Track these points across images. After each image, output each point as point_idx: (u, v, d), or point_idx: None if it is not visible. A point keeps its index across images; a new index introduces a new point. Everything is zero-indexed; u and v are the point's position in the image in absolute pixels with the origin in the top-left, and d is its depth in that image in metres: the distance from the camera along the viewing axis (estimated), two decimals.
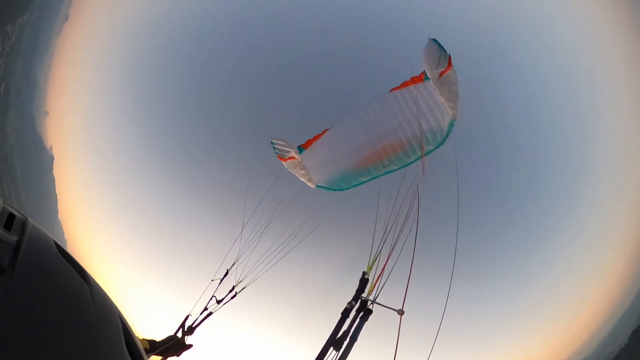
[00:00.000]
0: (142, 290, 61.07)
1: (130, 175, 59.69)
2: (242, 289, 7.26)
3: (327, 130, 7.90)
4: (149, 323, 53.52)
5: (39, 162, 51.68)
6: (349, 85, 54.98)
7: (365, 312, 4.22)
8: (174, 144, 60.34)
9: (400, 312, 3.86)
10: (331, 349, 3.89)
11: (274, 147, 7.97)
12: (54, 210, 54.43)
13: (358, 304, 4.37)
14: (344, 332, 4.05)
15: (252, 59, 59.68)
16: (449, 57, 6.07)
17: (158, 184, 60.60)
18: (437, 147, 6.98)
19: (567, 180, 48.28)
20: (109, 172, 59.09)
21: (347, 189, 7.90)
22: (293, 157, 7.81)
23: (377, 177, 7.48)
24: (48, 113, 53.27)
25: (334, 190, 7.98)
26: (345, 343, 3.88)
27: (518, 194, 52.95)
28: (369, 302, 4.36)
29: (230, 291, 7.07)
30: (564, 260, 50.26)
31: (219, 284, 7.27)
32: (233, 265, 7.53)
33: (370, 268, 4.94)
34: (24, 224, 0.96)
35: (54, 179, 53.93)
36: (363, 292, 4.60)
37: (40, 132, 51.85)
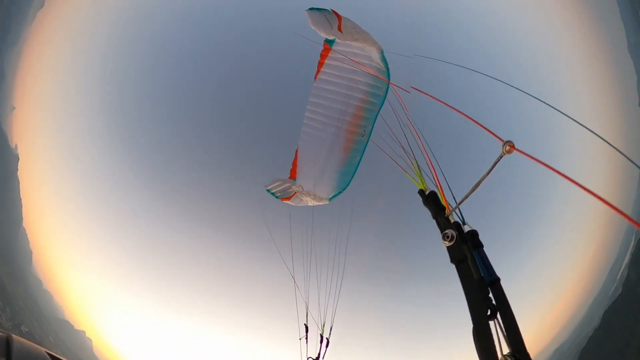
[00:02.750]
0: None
1: (108, 180, 55.20)
2: (330, 331, 6.52)
3: (297, 150, 7.87)
4: None
5: (2, 162, 45.95)
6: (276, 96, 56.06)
7: (473, 239, 2.73)
8: (160, 149, 57.33)
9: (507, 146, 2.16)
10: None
11: (272, 194, 7.55)
12: (18, 217, 48.45)
13: (454, 239, 2.72)
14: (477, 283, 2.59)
15: None
16: (333, 11, 6.21)
17: (139, 192, 56.83)
18: (388, 83, 6.91)
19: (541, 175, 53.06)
20: (83, 176, 54.06)
21: (352, 179, 7.72)
22: (295, 192, 7.52)
23: (365, 146, 7.45)
24: (14, 108, 47.73)
25: (344, 189, 7.78)
26: (493, 294, 2.53)
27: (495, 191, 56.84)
28: (463, 224, 2.90)
29: (321, 341, 6.22)
30: (538, 254, 54.88)
31: (307, 342, 6.62)
32: (307, 315, 6.87)
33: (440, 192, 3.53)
34: (7, 341, 0.94)
35: (19, 181, 48.13)
36: (447, 226, 2.90)
37: (5, 129, 46.20)
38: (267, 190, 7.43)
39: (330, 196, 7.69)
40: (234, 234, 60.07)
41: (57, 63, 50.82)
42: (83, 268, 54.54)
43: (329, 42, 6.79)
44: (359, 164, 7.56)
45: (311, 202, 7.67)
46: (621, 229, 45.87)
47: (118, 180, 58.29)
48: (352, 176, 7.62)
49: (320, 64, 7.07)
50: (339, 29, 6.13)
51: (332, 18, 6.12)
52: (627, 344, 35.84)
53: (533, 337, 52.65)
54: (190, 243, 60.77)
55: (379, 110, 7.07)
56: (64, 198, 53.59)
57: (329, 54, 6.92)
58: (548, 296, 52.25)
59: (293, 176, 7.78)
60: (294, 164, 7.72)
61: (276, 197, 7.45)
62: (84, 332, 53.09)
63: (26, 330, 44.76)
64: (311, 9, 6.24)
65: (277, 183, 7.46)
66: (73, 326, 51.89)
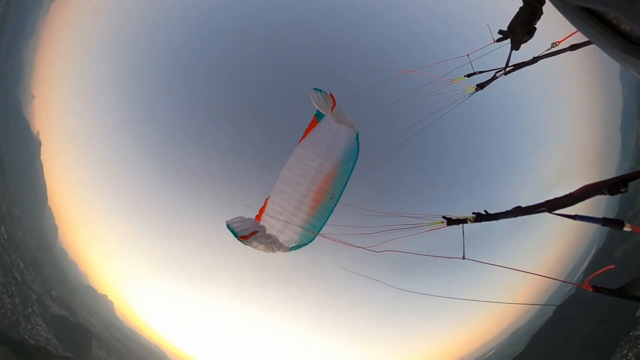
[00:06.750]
0: None
1: (123, 160, 56.74)
2: None
3: (267, 199, 8.12)
4: None
5: (26, 147, 47.37)
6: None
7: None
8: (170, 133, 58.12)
9: None
10: None
11: (231, 230, 7.10)
12: (44, 197, 50.76)
13: None
14: None
15: None
16: (330, 94, 7.37)
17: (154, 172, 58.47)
18: (356, 158, 7.91)
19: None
20: (100, 158, 55.57)
21: (315, 237, 7.81)
22: (256, 231, 7.27)
23: (333, 207, 7.91)
24: (34, 97, 48.23)
25: (306, 244, 7.86)
26: None
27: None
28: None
29: None
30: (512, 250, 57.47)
31: None
32: None
33: None
34: None
35: (42, 165, 49.88)
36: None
37: (27, 117, 47.12)
38: (227, 225, 6.93)
39: (290, 246, 7.79)
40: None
41: (72, 51, 50.35)
42: (103, 240, 57.96)
43: (317, 117, 7.84)
44: (324, 223, 7.83)
45: (270, 248, 7.41)
46: (585, 239, 47.94)
47: (134, 160, 59.86)
48: (318, 232, 7.75)
49: (307, 131, 7.93)
50: (332, 110, 7.26)
51: (328, 100, 7.17)
52: (571, 339, 38.59)
53: (496, 318, 56.96)
54: (208, 211, 62.92)
55: (347, 181, 7.81)
56: (83, 178, 55.67)
57: (316, 126, 7.94)
58: (512, 288, 55.67)
59: (259, 219, 8.02)
60: (261, 212, 7.95)
61: (234, 233, 6.90)
62: (106, 295, 57.58)
63: (55, 294, 48.80)
64: (315, 89, 7.23)
65: (240, 222, 7.18)
66: (96, 291, 56.19)
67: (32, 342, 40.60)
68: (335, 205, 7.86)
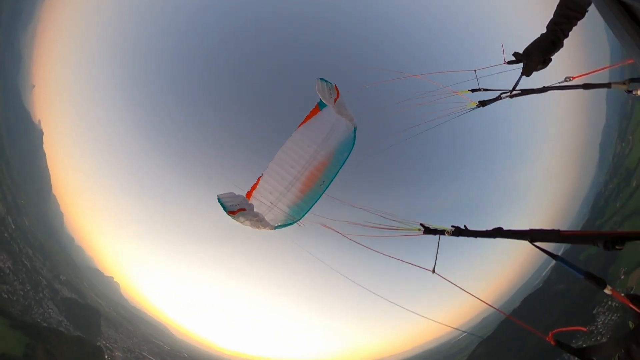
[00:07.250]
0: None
1: (125, 145, 56.52)
2: None
3: (260, 177, 7.77)
4: None
5: (28, 137, 46.78)
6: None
7: None
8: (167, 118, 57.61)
9: None
10: None
11: (222, 204, 6.47)
12: (48, 185, 50.87)
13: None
14: None
15: None
16: (335, 86, 7.10)
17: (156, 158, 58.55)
18: (350, 151, 7.76)
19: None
20: (102, 144, 55.09)
21: (302, 216, 7.57)
22: (244, 208, 6.69)
23: (321, 194, 7.81)
24: (34, 86, 46.78)
25: (291, 224, 7.61)
26: None
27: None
28: None
29: None
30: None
31: None
32: None
33: None
34: None
35: (45, 154, 49.53)
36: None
37: (28, 107, 46.03)
38: (219, 199, 6.46)
39: (276, 225, 7.51)
40: None
41: (70, 40, 48.16)
42: (107, 224, 58.94)
43: (320, 106, 7.67)
44: (311, 207, 7.59)
45: (255, 225, 6.73)
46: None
47: (136, 145, 59.67)
48: (303, 215, 7.54)
49: (307, 117, 7.68)
50: (334, 101, 7.06)
51: (332, 91, 7.01)
52: (534, 326, 43.79)
53: (469, 305, 62.71)
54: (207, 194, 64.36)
55: (338, 171, 7.67)
56: (86, 165, 55.45)
57: (317, 114, 7.72)
58: (486, 278, 60.93)
59: (248, 197, 7.50)
60: (252, 189, 7.48)
61: (224, 207, 6.45)
62: (112, 277, 59.67)
63: (64, 278, 50.47)
64: (321, 79, 6.87)
65: (230, 197, 6.64)
66: (103, 273, 58.15)
67: (45, 325, 42.19)
68: (324, 192, 7.82)
